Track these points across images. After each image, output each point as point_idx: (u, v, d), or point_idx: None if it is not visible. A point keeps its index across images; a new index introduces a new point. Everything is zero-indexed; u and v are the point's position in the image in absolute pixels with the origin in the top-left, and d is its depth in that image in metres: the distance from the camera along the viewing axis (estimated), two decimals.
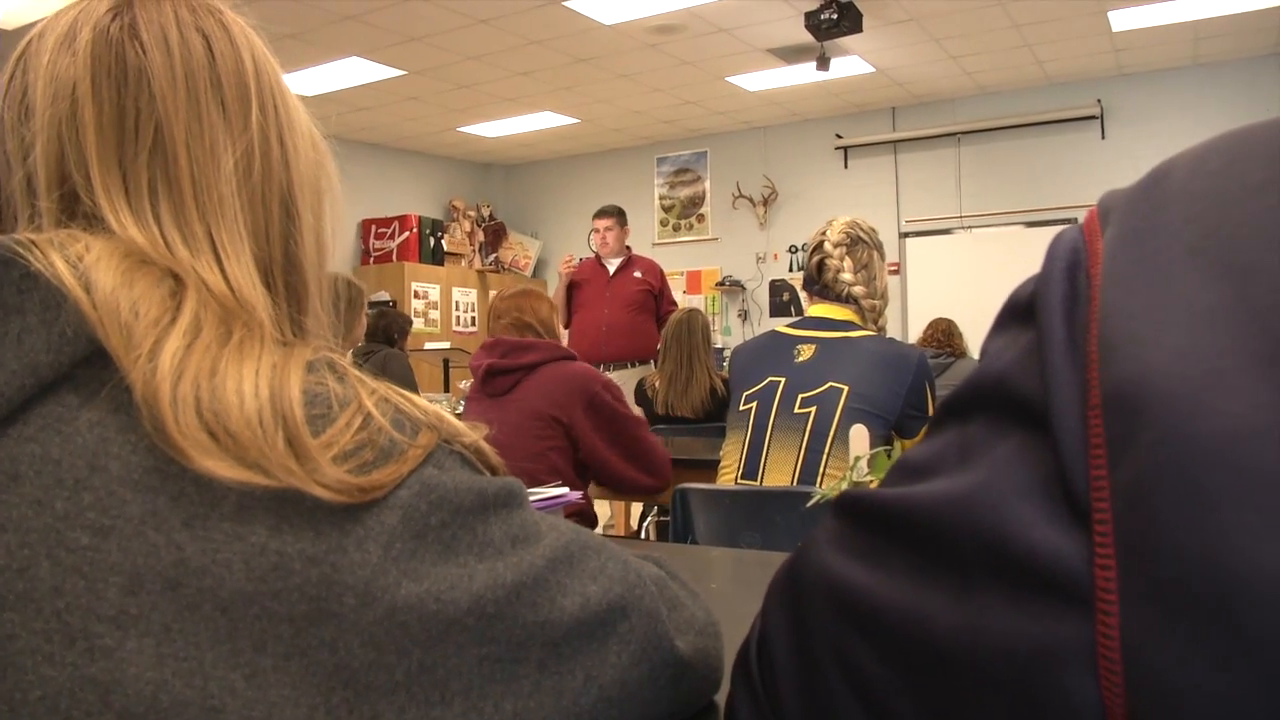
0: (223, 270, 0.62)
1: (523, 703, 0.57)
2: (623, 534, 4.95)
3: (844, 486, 1.38)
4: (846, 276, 2.50)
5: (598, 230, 5.99)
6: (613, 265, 5.94)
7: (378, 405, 0.57)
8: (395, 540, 0.53)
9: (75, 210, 0.61)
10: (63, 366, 0.52)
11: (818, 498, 1.34)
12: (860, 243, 2.55)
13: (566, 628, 0.59)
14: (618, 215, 6.02)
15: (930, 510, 0.47)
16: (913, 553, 0.48)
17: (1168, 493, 0.36)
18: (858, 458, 1.36)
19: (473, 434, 0.62)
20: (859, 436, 1.66)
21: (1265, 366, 0.36)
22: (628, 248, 6.06)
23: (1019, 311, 0.48)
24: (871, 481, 1.31)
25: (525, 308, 2.99)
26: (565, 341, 3.21)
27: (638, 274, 5.88)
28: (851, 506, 0.54)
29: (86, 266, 0.55)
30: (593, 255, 6.06)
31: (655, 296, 5.83)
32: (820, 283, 2.54)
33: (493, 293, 9.84)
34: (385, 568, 0.52)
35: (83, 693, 0.47)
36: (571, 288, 5.92)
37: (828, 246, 2.54)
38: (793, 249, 9.06)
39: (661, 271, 6.04)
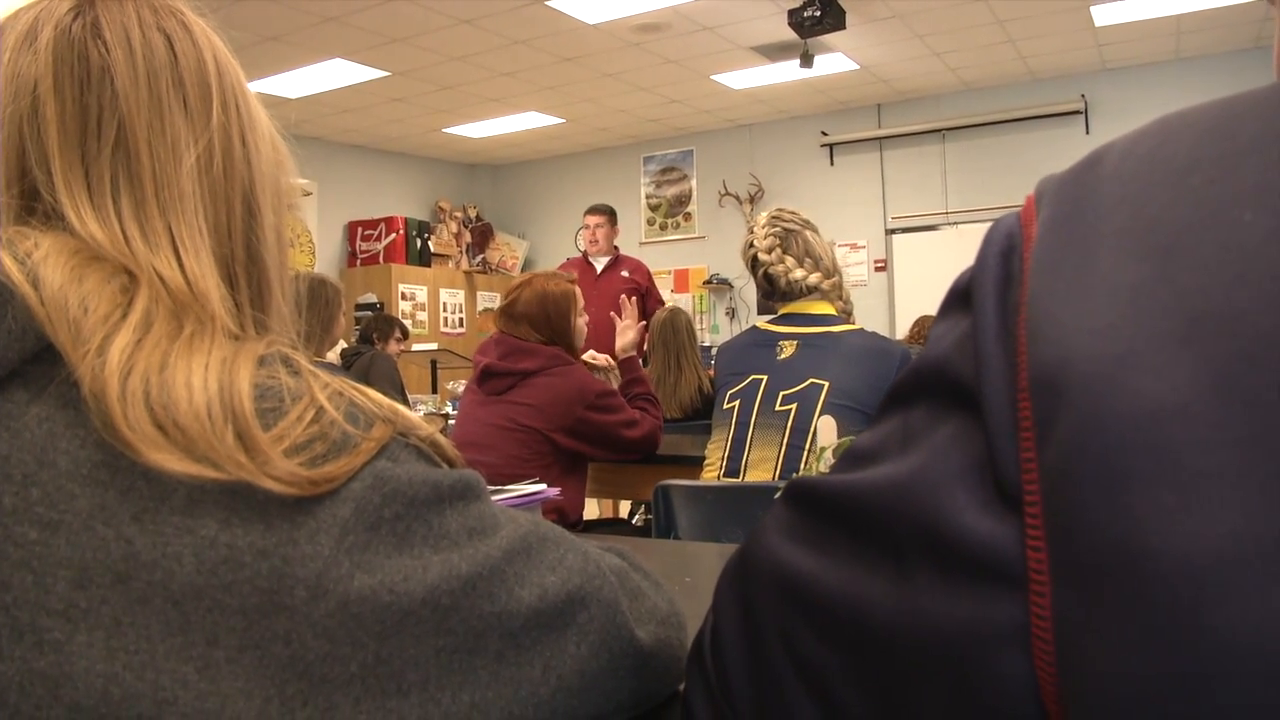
0: (180, 264, 0.62)
1: (480, 693, 0.57)
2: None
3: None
4: (798, 274, 2.47)
5: (588, 227, 6.02)
6: (600, 264, 5.97)
7: (331, 399, 0.57)
8: (348, 532, 0.53)
9: (34, 207, 0.61)
10: (11, 363, 0.52)
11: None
12: (790, 234, 2.50)
13: (524, 618, 0.59)
14: (609, 213, 6.05)
15: (871, 496, 0.47)
16: (854, 538, 0.48)
17: (1087, 473, 0.37)
18: (824, 448, 1.36)
19: (429, 427, 0.62)
20: (827, 427, 1.66)
21: (1181, 346, 0.36)
22: (615, 248, 6.09)
23: (959, 297, 0.48)
24: None
25: (539, 301, 2.91)
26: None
27: (625, 273, 5.91)
28: (798, 493, 0.55)
29: (35, 263, 0.55)
30: (580, 254, 6.09)
31: (642, 295, 5.83)
32: (778, 291, 2.52)
33: (480, 293, 9.84)
34: (337, 560, 0.52)
35: (32, 686, 0.47)
36: None
37: (763, 258, 2.50)
38: None
39: (649, 271, 6.07)
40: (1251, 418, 0.34)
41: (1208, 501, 0.33)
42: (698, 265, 9.52)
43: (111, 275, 0.58)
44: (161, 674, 0.49)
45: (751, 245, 2.54)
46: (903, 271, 8.58)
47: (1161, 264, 0.38)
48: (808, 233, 2.52)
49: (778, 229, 2.51)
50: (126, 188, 0.62)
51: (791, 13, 6.02)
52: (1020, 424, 0.40)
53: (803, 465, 2.29)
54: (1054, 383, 0.39)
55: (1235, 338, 0.35)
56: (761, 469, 2.37)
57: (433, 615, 0.55)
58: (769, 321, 2.56)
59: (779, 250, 2.49)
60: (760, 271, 2.52)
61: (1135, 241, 0.40)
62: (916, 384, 0.50)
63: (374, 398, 0.60)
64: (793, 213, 2.56)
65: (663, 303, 5.72)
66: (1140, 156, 0.43)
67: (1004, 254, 0.45)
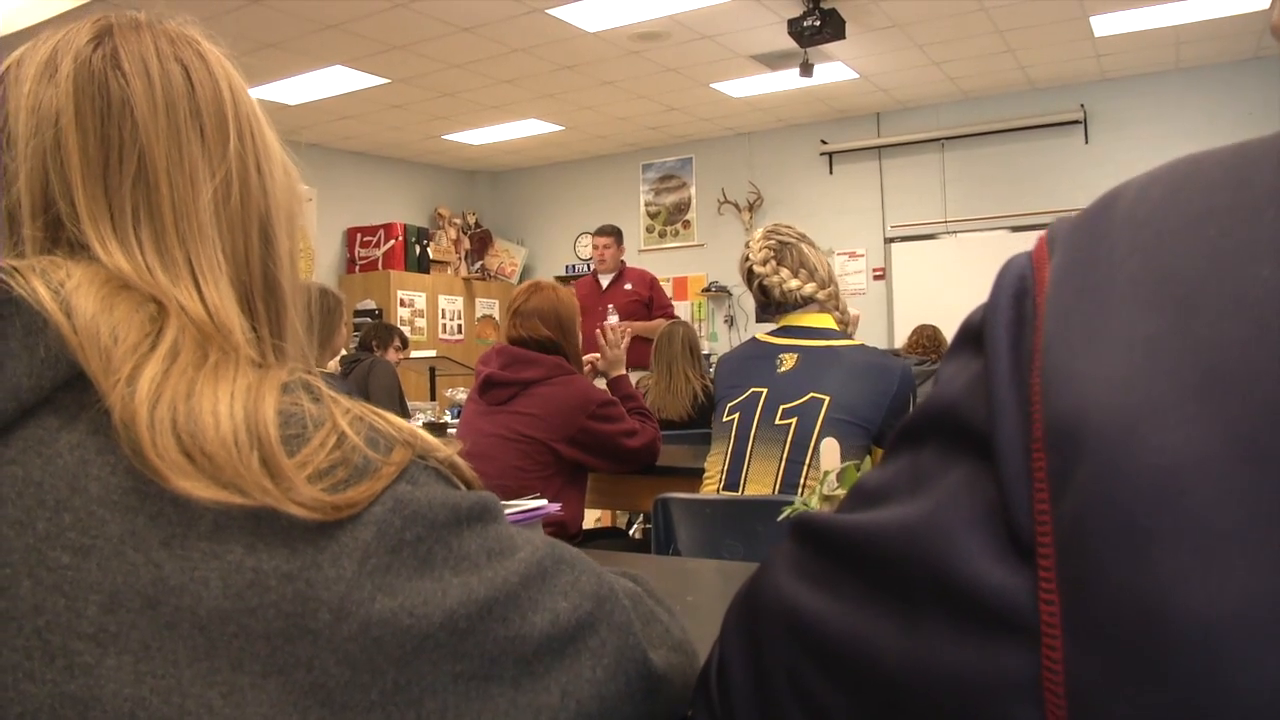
0: (200, 295, 0.63)
1: None
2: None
3: (814, 500, 1.38)
4: (793, 284, 2.48)
5: (595, 247, 6.41)
6: (606, 279, 6.30)
7: (352, 424, 0.58)
8: (370, 556, 0.54)
9: (59, 237, 0.62)
10: (43, 390, 0.53)
11: (788, 511, 1.34)
12: (785, 247, 2.52)
13: (536, 643, 0.60)
14: (615, 235, 6.41)
15: (881, 538, 0.47)
16: (864, 580, 0.48)
17: (1104, 529, 0.36)
18: (827, 472, 1.36)
19: (447, 449, 0.63)
20: (829, 450, 1.67)
21: (1200, 400, 0.36)
22: (622, 262, 6.41)
23: (970, 338, 0.48)
24: (841, 494, 1.31)
25: (551, 301, 2.94)
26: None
27: (628, 286, 6.22)
28: (807, 530, 0.55)
29: (68, 292, 0.56)
30: (588, 270, 6.37)
31: (646, 305, 6.06)
32: (774, 303, 2.53)
33: (479, 300, 9.83)
34: (360, 583, 0.53)
35: (62, 709, 0.48)
36: None
37: (758, 270, 2.52)
38: None
39: (652, 279, 6.37)
40: (1268, 478, 0.34)
41: (1226, 562, 0.33)
42: (696, 273, 9.52)
43: (140, 305, 0.59)
44: (187, 699, 0.49)
45: (747, 259, 2.56)
46: (901, 280, 8.58)
47: (1177, 316, 0.38)
48: (803, 245, 2.54)
49: (772, 242, 2.53)
50: (147, 219, 0.63)
51: (791, 22, 6.03)
52: (1034, 474, 0.40)
53: (803, 481, 2.29)
54: (1071, 434, 0.39)
55: (1252, 397, 0.35)
56: (761, 482, 2.37)
57: (450, 639, 0.56)
58: (768, 333, 2.56)
59: (773, 262, 2.50)
60: (756, 283, 2.54)
61: (1150, 291, 0.40)
62: (927, 424, 0.50)
63: (393, 421, 0.61)
64: (788, 227, 2.58)
65: (669, 307, 6.08)
66: (1153, 203, 0.43)
67: (1017, 296, 0.45)
